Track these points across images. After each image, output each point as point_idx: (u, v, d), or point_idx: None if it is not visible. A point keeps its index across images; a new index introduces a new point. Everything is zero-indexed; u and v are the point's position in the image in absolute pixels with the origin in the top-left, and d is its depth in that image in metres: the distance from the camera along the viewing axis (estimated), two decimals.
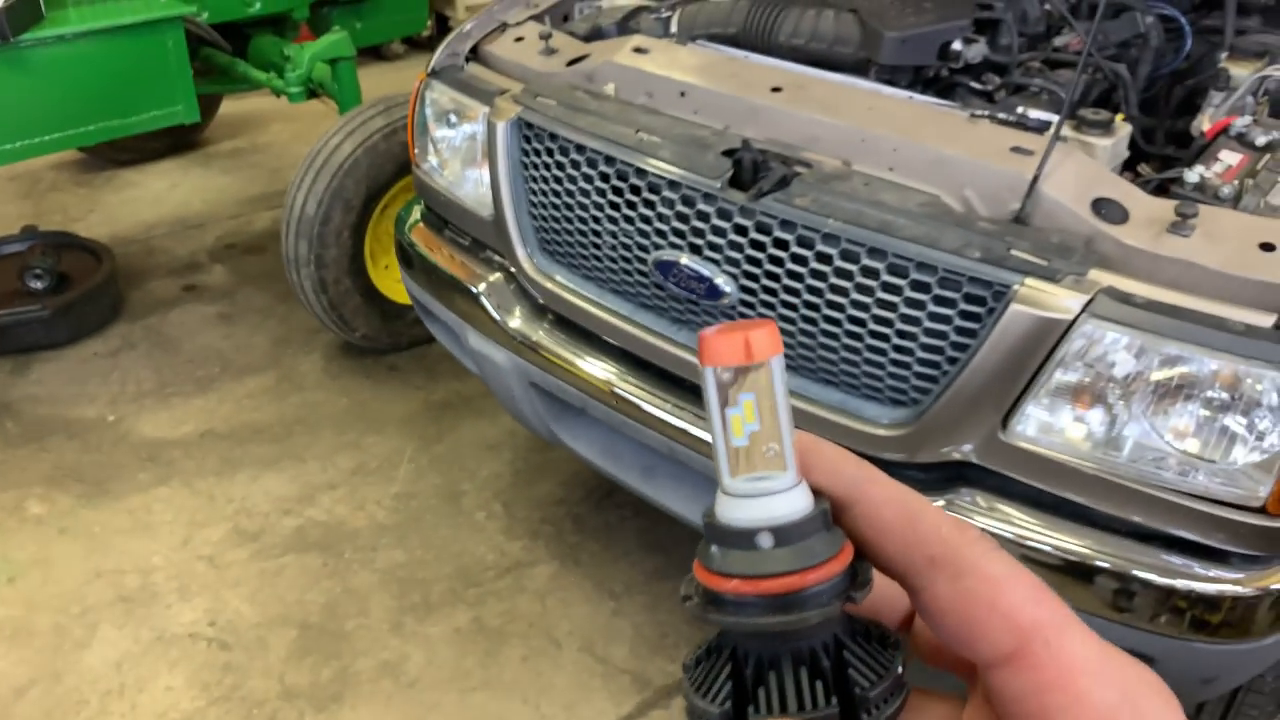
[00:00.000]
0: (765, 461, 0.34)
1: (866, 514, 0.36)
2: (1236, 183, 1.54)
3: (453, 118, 2.16)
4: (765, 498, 0.34)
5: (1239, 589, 1.41)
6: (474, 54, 2.22)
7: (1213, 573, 1.42)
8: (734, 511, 0.34)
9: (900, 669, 0.36)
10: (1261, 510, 1.35)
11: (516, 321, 2.05)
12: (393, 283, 3.15)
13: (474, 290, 2.11)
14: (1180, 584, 1.43)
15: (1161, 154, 1.93)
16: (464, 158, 2.15)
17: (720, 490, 0.35)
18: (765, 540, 0.34)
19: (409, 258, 2.34)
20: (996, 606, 0.34)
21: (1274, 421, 1.33)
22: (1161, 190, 1.63)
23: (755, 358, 0.33)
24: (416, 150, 2.28)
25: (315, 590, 2.51)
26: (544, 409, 2.10)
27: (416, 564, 2.58)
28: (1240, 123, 1.68)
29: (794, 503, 0.34)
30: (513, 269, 2.06)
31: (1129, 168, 1.80)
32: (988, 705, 0.36)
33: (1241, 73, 1.89)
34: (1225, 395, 1.35)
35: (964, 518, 1.52)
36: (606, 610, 2.43)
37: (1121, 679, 0.33)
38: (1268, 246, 1.37)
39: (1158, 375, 1.38)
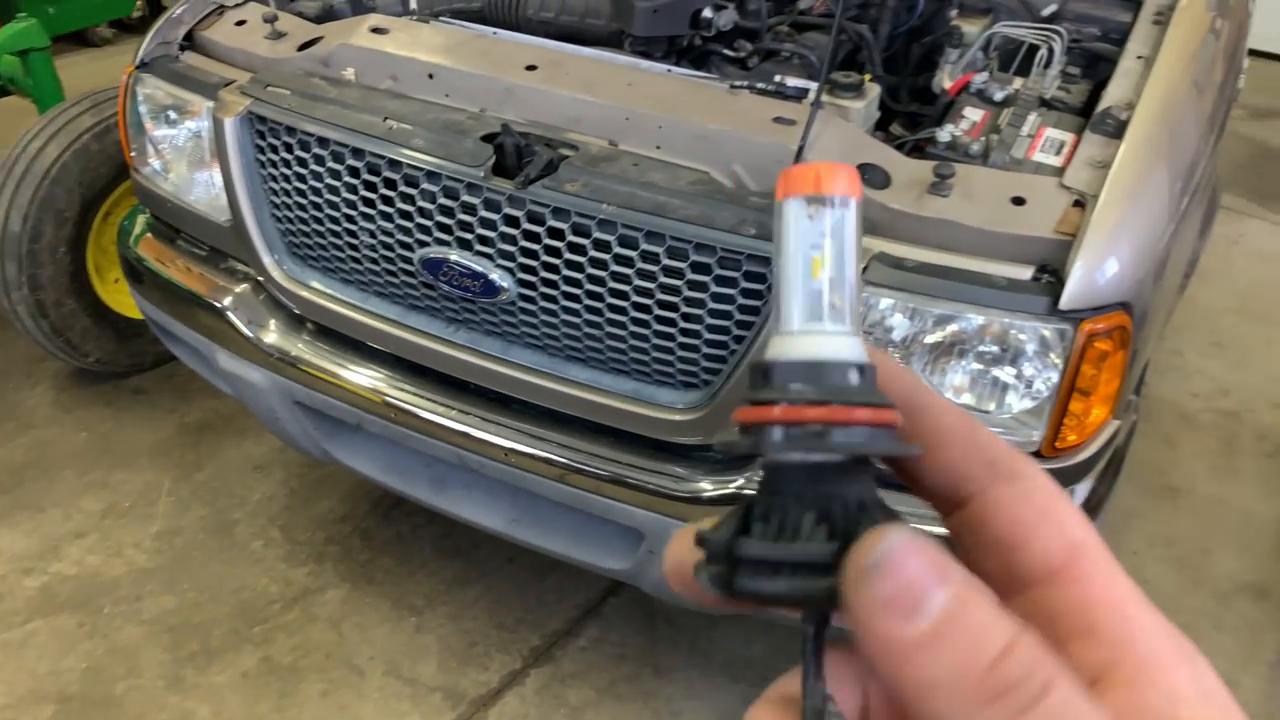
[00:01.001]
0: (827, 310, 0.33)
1: (928, 419, 0.36)
2: (984, 139, 1.60)
3: (172, 114, 1.92)
4: (820, 337, 0.33)
5: None
6: (190, 41, 1.98)
7: None
8: (786, 350, 0.33)
9: None
10: (1038, 454, 1.42)
11: (272, 336, 1.87)
12: (126, 298, 2.81)
13: (218, 305, 1.90)
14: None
15: (908, 111, 1.99)
16: (190, 158, 1.92)
17: (775, 333, 0.34)
18: (812, 375, 0.32)
19: (138, 274, 2.08)
20: (1050, 515, 0.34)
21: (1039, 369, 1.39)
22: (917, 150, 1.67)
23: (837, 190, 0.32)
24: (134, 153, 2.02)
25: (72, 655, 2.23)
26: (314, 429, 1.93)
27: (190, 608, 2.34)
28: (979, 79, 1.75)
29: (848, 349, 0.33)
30: (260, 278, 1.87)
31: (880, 128, 1.84)
32: None
33: (972, 29, 1.98)
34: (995, 348, 1.40)
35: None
36: (408, 627, 2.30)
37: (1165, 621, 0.32)
38: (1018, 200, 1.42)
39: (932, 336, 1.41)
